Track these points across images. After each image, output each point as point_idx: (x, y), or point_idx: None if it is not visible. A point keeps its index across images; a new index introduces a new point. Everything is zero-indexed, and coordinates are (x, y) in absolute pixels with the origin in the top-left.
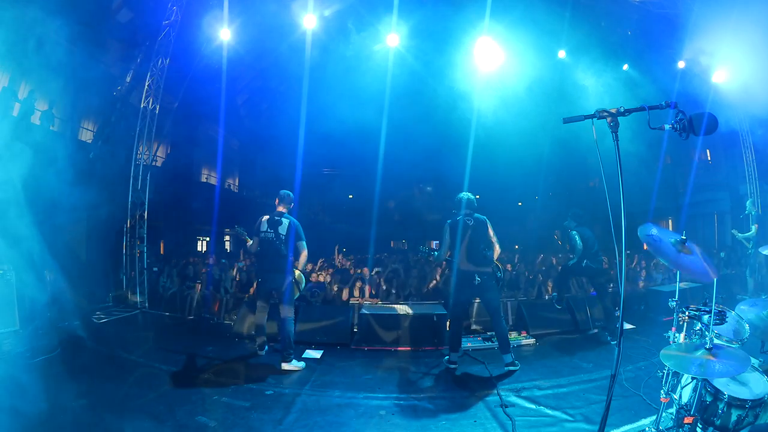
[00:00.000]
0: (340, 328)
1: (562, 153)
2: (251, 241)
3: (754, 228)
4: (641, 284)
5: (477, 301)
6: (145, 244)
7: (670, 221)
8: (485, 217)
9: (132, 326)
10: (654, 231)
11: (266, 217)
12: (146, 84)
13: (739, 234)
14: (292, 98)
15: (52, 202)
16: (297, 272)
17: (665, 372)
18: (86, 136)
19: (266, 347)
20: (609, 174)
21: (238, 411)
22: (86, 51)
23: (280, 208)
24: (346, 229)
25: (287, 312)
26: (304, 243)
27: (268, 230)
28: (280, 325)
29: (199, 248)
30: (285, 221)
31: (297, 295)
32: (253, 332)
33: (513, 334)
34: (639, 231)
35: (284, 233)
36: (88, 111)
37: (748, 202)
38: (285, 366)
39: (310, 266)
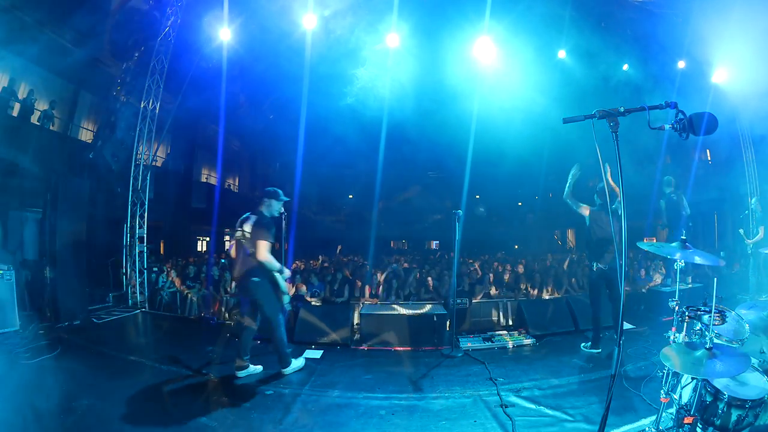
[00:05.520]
0: (340, 328)
1: (562, 153)
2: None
3: (761, 230)
4: (641, 284)
5: (478, 300)
6: (145, 244)
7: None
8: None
9: (132, 326)
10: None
11: (244, 216)
12: (146, 84)
13: (747, 239)
14: (292, 98)
15: (52, 203)
16: (274, 273)
17: (665, 372)
18: (86, 136)
19: (246, 371)
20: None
21: (238, 411)
22: (86, 51)
23: (261, 206)
24: (346, 229)
25: (273, 320)
26: (265, 240)
27: (238, 229)
28: (270, 335)
29: (199, 248)
30: (253, 217)
31: (283, 297)
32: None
33: (513, 334)
34: (639, 245)
35: (249, 231)
36: (88, 111)
37: (753, 200)
38: (285, 371)
39: (314, 263)
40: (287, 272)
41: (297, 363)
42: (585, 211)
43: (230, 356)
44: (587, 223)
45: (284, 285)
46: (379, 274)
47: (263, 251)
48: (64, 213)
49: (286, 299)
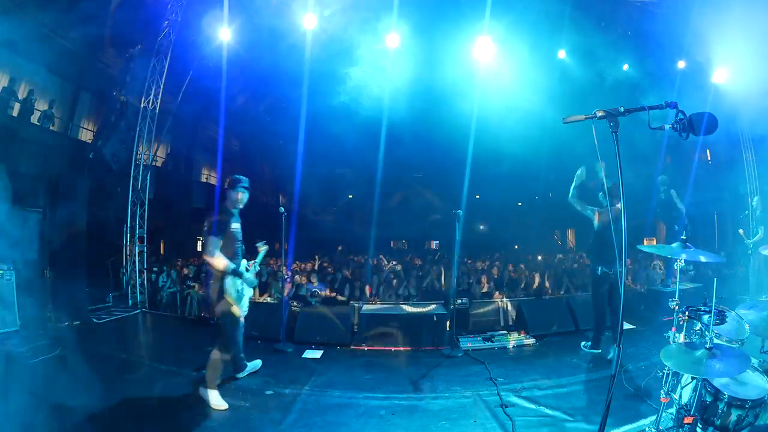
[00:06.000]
0: (340, 328)
1: (562, 153)
2: None
3: (761, 230)
4: (641, 284)
5: (478, 299)
6: (145, 244)
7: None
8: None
9: (132, 326)
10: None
11: None
12: (146, 84)
13: (747, 239)
14: (292, 98)
15: (52, 202)
16: (227, 277)
17: (665, 372)
18: (86, 136)
19: (244, 371)
20: (609, 174)
21: (238, 411)
22: (87, 51)
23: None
24: (346, 229)
25: (222, 332)
26: (213, 236)
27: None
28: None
29: (199, 248)
30: (209, 217)
31: (233, 307)
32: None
33: (513, 334)
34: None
35: (204, 226)
36: (88, 111)
37: (755, 199)
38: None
39: (311, 265)
40: (250, 277)
41: (219, 402)
42: (596, 215)
43: None
44: (595, 228)
45: (233, 292)
46: (394, 263)
47: (208, 249)
48: (63, 213)
49: (244, 306)
